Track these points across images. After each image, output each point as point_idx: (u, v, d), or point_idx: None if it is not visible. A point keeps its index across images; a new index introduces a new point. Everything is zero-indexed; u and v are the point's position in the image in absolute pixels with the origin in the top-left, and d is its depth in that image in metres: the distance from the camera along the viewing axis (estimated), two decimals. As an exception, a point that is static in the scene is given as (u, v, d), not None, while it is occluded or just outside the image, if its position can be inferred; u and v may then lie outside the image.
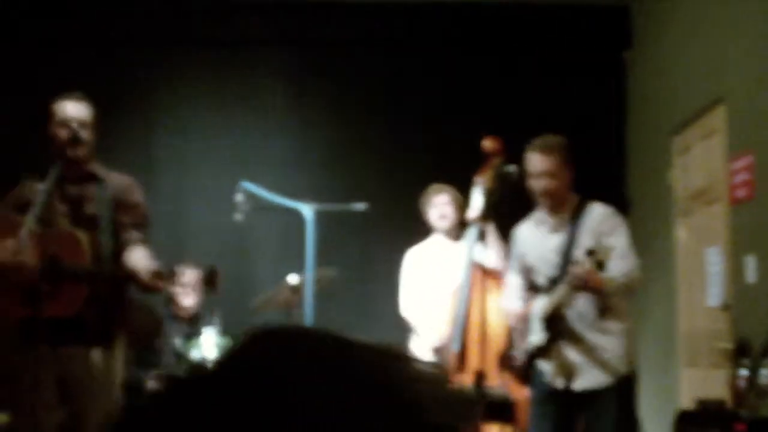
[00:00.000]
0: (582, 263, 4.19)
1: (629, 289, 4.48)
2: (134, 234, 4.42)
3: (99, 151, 4.51)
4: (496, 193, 4.75)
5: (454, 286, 5.25)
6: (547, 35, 7.45)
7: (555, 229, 4.56)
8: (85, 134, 4.35)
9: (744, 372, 4.69)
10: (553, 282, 4.47)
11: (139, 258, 4.28)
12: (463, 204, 5.63)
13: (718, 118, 5.89)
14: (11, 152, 6.88)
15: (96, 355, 4.28)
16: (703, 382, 5.88)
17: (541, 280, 4.59)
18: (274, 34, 7.44)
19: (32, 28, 7.28)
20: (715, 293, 5.80)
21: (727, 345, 5.34)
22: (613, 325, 4.47)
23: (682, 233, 6.43)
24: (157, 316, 5.51)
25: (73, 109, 4.36)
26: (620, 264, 4.32)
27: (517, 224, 4.75)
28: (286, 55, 7.53)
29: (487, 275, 5.16)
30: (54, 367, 4.18)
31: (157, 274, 4.12)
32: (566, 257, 4.44)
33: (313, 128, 7.48)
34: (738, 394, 4.74)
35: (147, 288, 4.25)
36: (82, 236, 4.26)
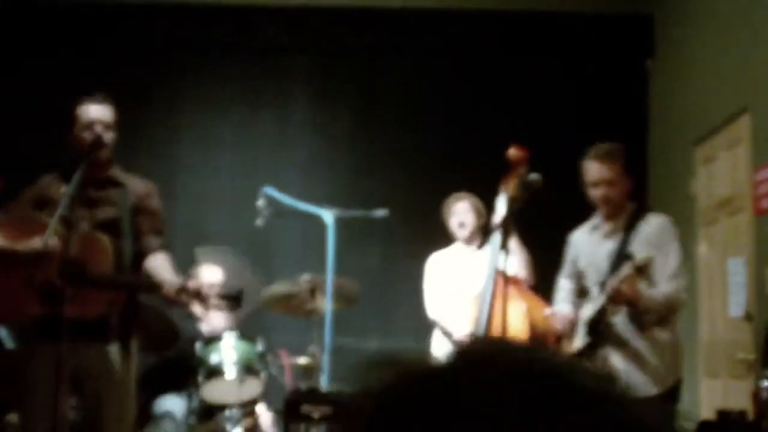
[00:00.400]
0: (620, 276, 4.19)
1: (669, 311, 4.45)
2: (154, 240, 4.44)
3: (123, 155, 4.55)
4: (519, 201, 4.73)
5: (476, 292, 5.25)
6: (569, 43, 7.44)
7: (608, 236, 4.56)
8: (109, 136, 4.38)
9: (766, 383, 4.65)
10: (602, 287, 4.46)
11: (163, 268, 4.32)
12: (483, 211, 5.64)
13: (742, 127, 5.86)
14: (32, 153, 6.94)
15: (113, 351, 4.31)
16: (724, 393, 5.84)
17: (590, 285, 4.59)
18: (297, 42, 7.47)
19: (59, 35, 7.33)
20: (737, 303, 5.76)
21: (749, 356, 5.30)
22: (663, 334, 4.44)
23: (704, 243, 6.39)
24: (175, 326, 5.51)
25: (97, 111, 4.39)
26: (666, 285, 4.34)
27: (544, 229, 4.75)
28: (309, 61, 7.55)
29: (510, 282, 5.14)
30: (70, 362, 4.17)
31: (183, 290, 4.13)
32: (615, 265, 4.42)
33: (335, 135, 7.50)
34: (759, 405, 4.70)
35: (171, 302, 4.26)
36: (107, 241, 4.29)
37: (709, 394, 6.13)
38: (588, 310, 4.50)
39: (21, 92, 7.28)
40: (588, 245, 4.64)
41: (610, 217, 4.56)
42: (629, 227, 4.51)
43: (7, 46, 7.34)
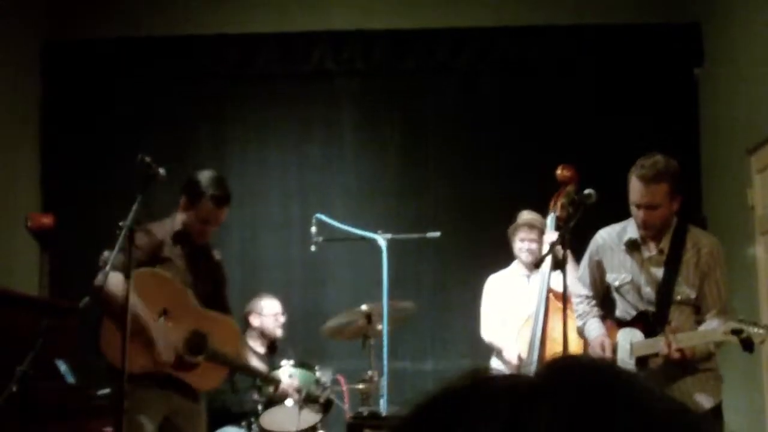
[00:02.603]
0: (678, 343, 4.12)
1: (715, 354, 4.35)
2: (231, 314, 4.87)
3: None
4: (571, 220, 4.66)
5: (529, 312, 5.22)
6: (618, 55, 7.38)
7: (651, 258, 4.36)
8: (216, 229, 4.68)
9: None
10: (644, 316, 4.36)
11: (248, 353, 5.02)
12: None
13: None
14: (84, 187, 7.07)
15: (196, 406, 4.69)
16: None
17: (628, 308, 4.45)
18: (342, 65, 7.49)
19: (105, 68, 7.44)
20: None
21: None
22: (707, 369, 4.36)
23: (763, 252, 6.29)
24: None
25: (221, 215, 4.63)
26: (715, 323, 4.20)
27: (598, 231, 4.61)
28: (355, 85, 7.57)
29: (566, 301, 5.10)
30: (159, 406, 4.50)
31: (297, 391, 4.93)
32: (665, 299, 4.31)
33: (384, 157, 7.51)
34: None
35: (282, 396, 5.15)
36: (237, 326, 4.72)
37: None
38: (636, 344, 4.35)
39: (75, 130, 7.41)
40: (624, 262, 4.43)
41: (651, 238, 4.36)
42: (675, 250, 4.32)
43: (58, 84, 7.47)
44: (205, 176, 4.64)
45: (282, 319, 6.26)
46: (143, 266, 4.40)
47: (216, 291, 4.71)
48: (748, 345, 3.99)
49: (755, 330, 3.96)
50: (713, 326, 4.19)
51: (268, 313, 6.23)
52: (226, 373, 4.71)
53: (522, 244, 5.80)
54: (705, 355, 4.25)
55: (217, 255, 4.83)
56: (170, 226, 4.60)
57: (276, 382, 4.77)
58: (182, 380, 4.47)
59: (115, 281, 4.21)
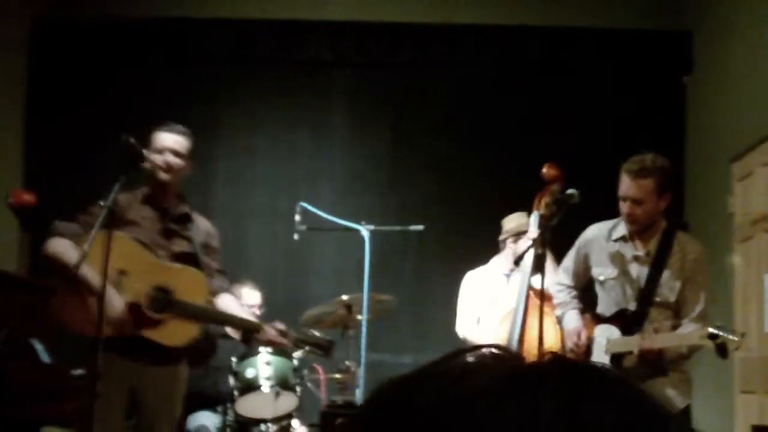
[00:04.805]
0: (654, 342, 4.16)
1: (689, 356, 4.41)
2: (223, 281, 4.69)
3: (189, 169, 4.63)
4: (554, 219, 4.70)
5: (508, 310, 5.24)
6: (607, 60, 7.41)
7: (638, 258, 4.44)
8: (177, 162, 4.51)
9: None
10: (624, 314, 4.41)
11: (238, 309, 4.65)
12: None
13: (779, 144, 5.82)
14: (68, 168, 7.05)
15: (182, 370, 4.56)
16: (759, 408, 5.79)
17: (610, 303, 4.51)
18: (335, 56, 7.50)
19: (96, 50, 7.41)
20: (773, 320, 5.71)
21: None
22: (679, 371, 4.42)
23: (740, 259, 6.35)
24: (213, 338, 5.57)
25: (170, 140, 4.52)
26: (691, 327, 4.27)
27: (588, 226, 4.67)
28: (347, 76, 7.58)
29: (544, 299, 5.13)
30: (128, 378, 4.36)
31: (283, 334, 4.49)
32: (646, 299, 4.37)
33: (372, 149, 7.52)
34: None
35: (268, 343, 4.68)
36: (202, 276, 4.48)
37: (745, 410, 6.08)
38: (612, 341, 4.42)
39: (62, 110, 7.38)
40: (610, 258, 4.51)
41: (637, 235, 4.45)
42: (661, 251, 4.40)
43: (46, 64, 7.44)
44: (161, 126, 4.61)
45: (257, 311, 6.23)
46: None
47: (195, 254, 4.55)
48: (722, 351, 4.04)
49: (731, 337, 4.01)
50: (689, 330, 4.24)
51: (245, 304, 6.23)
52: (197, 326, 4.50)
53: (522, 243, 5.77)
54: (674, 357, 4.31)
55: (206, 224, 4.71)
56: (141, 192, 4.54)
57: (257, 328, 4.49)
58: (152, 340, 4.32)
59: (54, 244, 4.29)
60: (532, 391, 0.66)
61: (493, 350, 0.73)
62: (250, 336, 4.55)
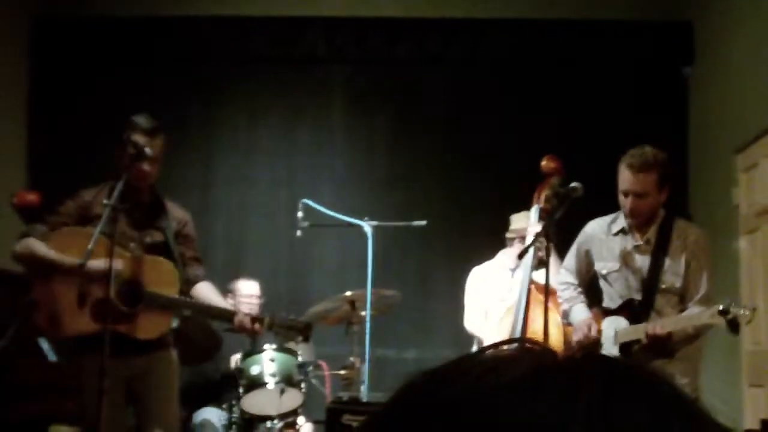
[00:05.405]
0: (662, 327, 4.15)
1: (698, 337, 4.40)
2: (198, 269, 4.64)
3: (162, 168, 4.58)
4: (555, 212, 4.69)
5: (510, 304, 5.24)
6: (608, 51, 7.39)
7: (638, 247, 4.46)
8: (151, 152, 4.41)
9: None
10: (630, 304, 4.40)
11: (215, 297, 4.59)
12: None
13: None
14: (71, 167, 7.04)
15: (173, 354, 4.55)
16: (768, 403, 5.78)
17: (614, 296, 4.51)
18: (334, 52, 7.48)
19: (97, 48, 7.41)
20: (780, 312, 5.70)
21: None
22: (686, 349, 4.41)
23: (746, 251, 6.33)
24: (218, 335, 5.57)
25: (156, 147, 4.44)
26: (697, 309, 4.27)
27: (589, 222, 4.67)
28: (346, 72, 7.57)
29: (548, 294, 5.12)
30: (122, 372, 4.32)
31: (256, 320, 4.43)
32: (651, 287, 4.37)
33: (372, 145, 7.51)
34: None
35: (242, 330, 4.50)
36: (172, 265, 4.42)
37: (753, 403, 6.06)
38: (620, 331, 4.42)
39: (64, 110, 7.38)
40: (612, 251, 4.52)
41: (638, 228, 4.46)
42: (661, 241, 4.42)
43: (48, 63, 7.44)
44: (134, 117, 4.48)
45: (256, 301, 6.23)
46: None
47: (172, 247, 4.50)
48: (734, 326, 4.05)
49: (741, 311, 4.01)
50: (696, 312, 4.25)
51: (243, 295, 6.23)
52: (170, 317, 4.45)
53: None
54: (681, 338, 4.30)
55: (178, 212, 4.65)
56: (106, 186, 4.47)
57: (230, 315, 4.45)
58: (125, 334, 4.26)
59: (24, 244, 4.34)
60: (563, 390, 0.64)
61: (525, 344, 0.71)
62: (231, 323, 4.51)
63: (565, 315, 4.77)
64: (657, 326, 4.21)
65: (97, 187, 4.52)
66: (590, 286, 4.75)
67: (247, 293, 6.21)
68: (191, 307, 4.57)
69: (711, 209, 6.90)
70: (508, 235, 5.80)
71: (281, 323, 4.53)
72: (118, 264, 4.24)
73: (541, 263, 4.81)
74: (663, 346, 4.26)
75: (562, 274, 4.76)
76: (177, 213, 4.64)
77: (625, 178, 4.32)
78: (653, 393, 0.65)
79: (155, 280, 4.36)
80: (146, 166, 4.41)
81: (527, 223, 5.68)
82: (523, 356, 0.69)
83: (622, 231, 4.51)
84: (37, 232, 4.36)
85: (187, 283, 4.52)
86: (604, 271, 4.56)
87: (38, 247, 4.29)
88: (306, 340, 4.66)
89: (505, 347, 0.71)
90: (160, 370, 4.50)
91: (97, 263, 4.14)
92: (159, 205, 4.57)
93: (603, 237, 4.57)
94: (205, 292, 4.58)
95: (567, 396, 0.63)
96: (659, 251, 4.40)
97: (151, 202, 4.55)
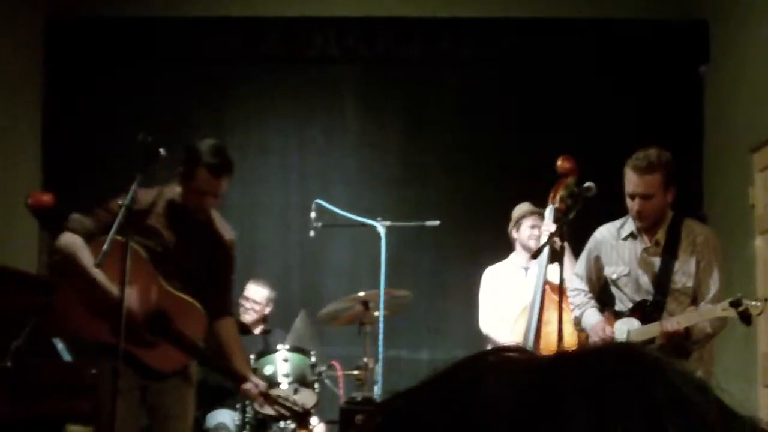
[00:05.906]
0: (676, 323, 4.14)
1: (713, 336, 4.39)
2: (227, 302, 4.56)
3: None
4: (570, 212, 4.68)
5: (525, 304, 5.23)
6: (623, 50, 7.36)
7: (648, 249, 4.46)
8: (214, 203, 4.37)
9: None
10: (642, 305, 4.39)
11: (235, 344, 4.49)
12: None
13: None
14: (86, 167, 7.06)
15: (191, 372, 4.48)
16: (783, 404, 5.74)
17: (626, 300, 4.50)
18: (345, 52, 7.47)
19: (110, 42, 7.42)
20: (796, 313, 5.65)
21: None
22: (699, 352, 4.40)
23: (761, 251, 6.29)
24: None
25: (214, 184, 4.29)
26: (710, 308, 4.25)
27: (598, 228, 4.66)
28: (358, 72, 7.56)
29: (562, 294, 5.10)
30: (138, 379, 4.29)
31: (263, 395, 4.44)
32: (662, 288, 4.36)
33: (385, 145, 7.50)
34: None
35: (244, 395, 4.63)
36: (203, 312, 4.33)
37: (768, 404, 6.04)
38: (633, 331, 4.41)
39: (78, 110, 7.40)
40: (621, 254, 4.52)
41: (646, 230, 4.46)
42: (670, 241, 4.41)
43: (61, 64, 7.46)
44: (204, 144, 4.32)
45: (257, 307, 6.23)
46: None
47: (210, 272, 4.43)
48: (746, 318, 4.07)
49: (753, 303, 4.02)
50: (709, 307, 4.25)
51: (250, 299, 6.25)
52: (183, 359, 4.35)
53: (533, 231, 5.75)
54: (699, 337, 4.29)
55: (227, 235, 4.53)
56: (164, 196, 4.38)
57: (242, 380, 4.43)
58: (139, 358, 4.21)
59: (67, 239, 4.17)
60: (559, 411, 0.61)
61: (510, 354, 0.69)
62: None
63: (577, 321, 4.76)
64: (673, 322, 4.21)
65: (152, 190, 4.38)
66: (602, 293, 4.75)
67: (253, 298, 6.22)
68: (208, 362, 4.61)
69: (727, 209, 6.86)
70: (519, 217, 5.80)
71: (283, 404, 4.52)
72: (153, 294, 4.21)
73: (555, 255, 4.81)
74: (680, 344, 4.25)
75: (572, 281, 4.77)
76: (226, 234, 4.53)
77: (630, 180, 4.36)
78: (653, 413, 0.63)
79: (184, 321, 4.28)
80: (211, 200, 4.33)
81: (520, 211, 5.72)
82: (511, 368, 0.68)
83: (632, 235, 4.52)
84: (83, 227, 4.20)
85: (212, 312, 4.39)
86: (614, 276, 4.57)
87: (84, 255, 4.13)
88: (301, 427, 4.70)
89: (485, 359, 0.71)
90: (178, 387, 4.44)
91: (134, 298, 4.10)
92: (209, 226, 4.45)
93: (613, 242, 4.59)
94: (225, 334, 4.47)
95: (564, 418, 0.61)
96: (669, 252, 4.41)
97: (203, 225, 4.44)
